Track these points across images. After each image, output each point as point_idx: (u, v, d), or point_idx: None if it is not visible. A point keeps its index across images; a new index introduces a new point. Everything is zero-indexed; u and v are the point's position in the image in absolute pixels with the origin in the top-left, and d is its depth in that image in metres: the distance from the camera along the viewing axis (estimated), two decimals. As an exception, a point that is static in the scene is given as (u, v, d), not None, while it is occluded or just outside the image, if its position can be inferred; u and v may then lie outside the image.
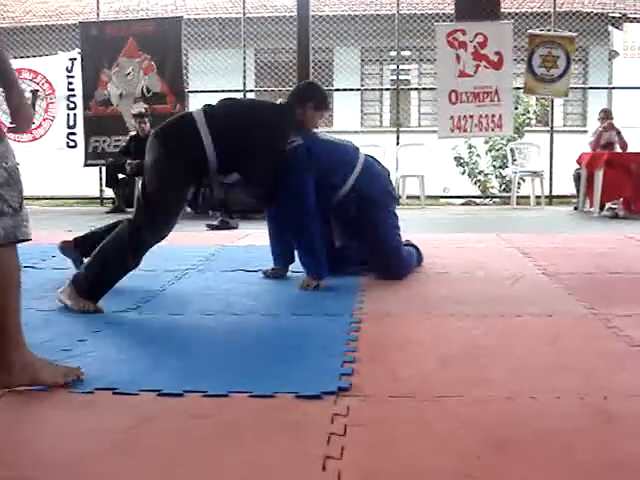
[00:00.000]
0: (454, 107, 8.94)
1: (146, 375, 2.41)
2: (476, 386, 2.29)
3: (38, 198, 10.47)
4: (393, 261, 4.11)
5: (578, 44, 9.89)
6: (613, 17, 11.69)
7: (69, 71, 9.87)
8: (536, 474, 1.68)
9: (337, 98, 13.58)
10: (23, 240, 2.20)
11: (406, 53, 13.05)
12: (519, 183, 10.08)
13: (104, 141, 9.71)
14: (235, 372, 2.44)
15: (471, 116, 8.94)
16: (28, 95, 9.79)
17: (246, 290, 3.85)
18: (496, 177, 11.40)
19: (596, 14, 11.91)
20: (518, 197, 9.78)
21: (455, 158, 11.45)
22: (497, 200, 10.83)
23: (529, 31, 9.19)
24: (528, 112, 11.61)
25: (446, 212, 9.37)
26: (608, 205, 8.21)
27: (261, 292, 3.86)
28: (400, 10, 10.33)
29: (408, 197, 10.09)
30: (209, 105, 3.71)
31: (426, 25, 11.03)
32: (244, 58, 10.24)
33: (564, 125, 13.35)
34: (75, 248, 4.02)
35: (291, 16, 10.28)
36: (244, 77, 10.23)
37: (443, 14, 11.02)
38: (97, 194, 10.56)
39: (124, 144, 8.92)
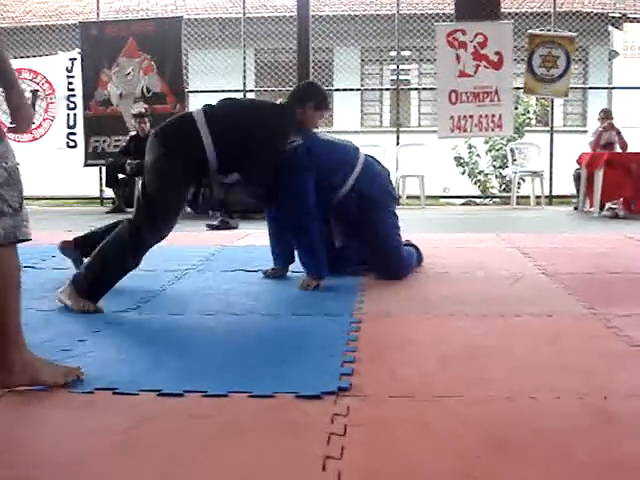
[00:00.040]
0: (454, 107, 8.94)
1: (146, 375, 2.41)
2: (476, 386, 2.29)
3: (38, 198, 10.47)
4: (393, 261, 4.11)
5: (578, 44, 9.89)
6: (613, 17, 11.69)
7: (69, 71, 9.87)
8: (536, 474, 1.68)
9: (337, 98, 13.58)
10: (23, 240, 2.20)
11: (406, 53, 13.05)
12: (519, 183, 10.08)
13: (104, 141, 9.71)
14: (235, 372, 2.44)
15: (471, 116, 8.94)
16: (28, 95, 9.80)
17: (246, 290, 3.85)
18: (496, 177, 11.40)
19: (596, 14, 11.91)
20: (518, 197, 9.78)
21: (455, 158, 11.45)
22: (497, 200, 10.83)
23: (529, 31, 9.19)
24: (528, 112, 11.61)
25: (446, 212, 9.38)
26: (608, 205, 8.21)
27: (261, 292, 3.86)
28: (400, 10, 10.34)
29: (408, 197, 10.09)
30: (209, 105, 3.71)
31: (426, 25, 11.03)
32: (244, 58, 10.24)
33: (564, 125, 13.35)
34: (75, 248, 4.02)
35: (291, 16, 10.28)
36: (244, 77, 10.23)
37: (443, 14, 11.02)
38: (97, 194, 10.56)
39: (124, 144, 8.92)
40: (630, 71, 9.97)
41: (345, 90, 12.42)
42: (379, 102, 14.42)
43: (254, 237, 5.88)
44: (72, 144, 9.94)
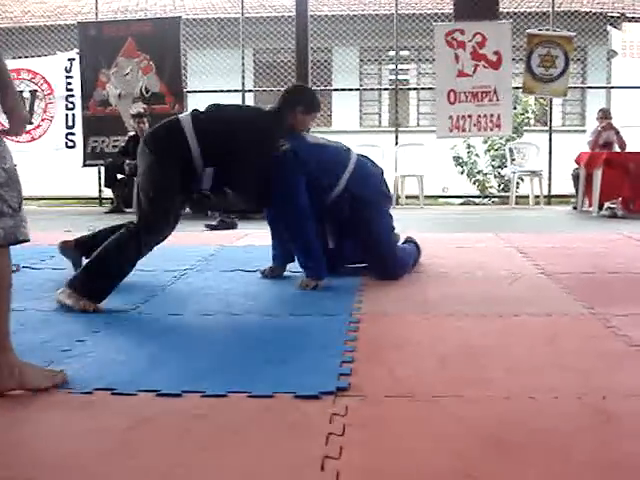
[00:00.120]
0: (453, 107, 8.94)
1: (145, 375, 2.41)
2: (474, 386, 2.29)
3: (37, 198, 10.46)
4: (388, 261, 4.09)
5: (577, 44, 9.90)
6: (612, 17, 11.69)
7: (68, 71, 9.87)
8: (535, 474, 1.68)
9: (336, 98, 13.61)
10: (23, 241, 2.20)
11: (405, 53, 13.05)
12: (518, 183, 10.08)
13: (103, 141, 9.70)
14: (234, 372, 2.44)
15: (470, 116, 8.94)
16: (27, 95, 9.80)
17: (245, 290, 3.86)
18: (495, 177, 11.39)
19: (595, 14, 11.91)
20: (517, 197, 9.79)
21: (454, 158, 11.45)
22: (496, 200, 10.83)
23: (528, 31, 9.19)
24: (527, 112, 11.61)
25: (445, 212, 9.38)
26: (607, 205, 8.21)
27: (260, 292, 3.86)
28: (399, 10, 10.33)
29: (407, 197, 10.09)
30: (197, 110, 3.75)
31: (425, 25, 11.02)
32: (242, 58, 10.23)
33: (563, 125, 13.36)
34: (75, 249, 4.03)
35: (290, 16, 10.27)
36: (243, 77, 10.23)
37: (442, 14, 11.02)
38: (96, 194, 10.55)
39: (123, 144, 8.92)
40: (629, 71, 9.98)
41: (344, 90, 12.43)
42: (378, 102, 14.42)
43: (253, 237, 5.89)
44: (71, 144, 9.93)
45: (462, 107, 8.93)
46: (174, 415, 2.07)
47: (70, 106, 9.89)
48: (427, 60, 12.92)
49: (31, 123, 9.72)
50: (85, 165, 9.88)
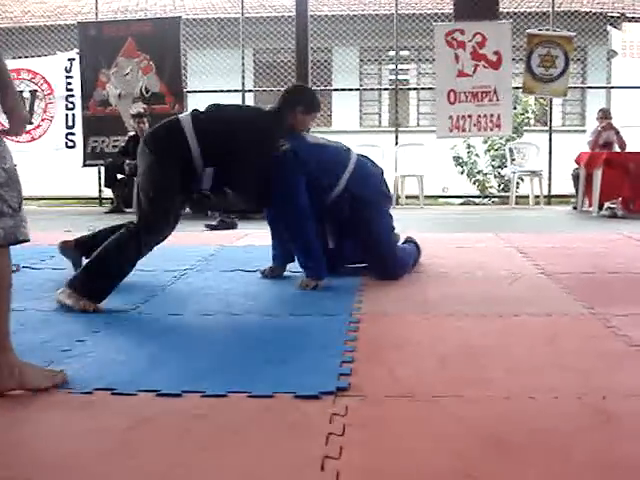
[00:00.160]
0: (453, 107, 8.94)
1: (145, 375, 2.41)
2: (474, 386, 2.29)
3: (37, 198, 10.46)
4: (388, 261, 4.09)
5: (577, 44, 9.90)
6: (612, 17, 11.69)
7: (68, 71, 9.87)
8: (535, 474, 1.68)
9: (336, 98, 13.61)
10: (22, 241, 2.19)
11: (405, 53, 13.05)
12: (518, 183, 10.08)
13: (103, 141, 9.70)
14: (234, 372, 2.44)
15: (470, 116, 8.94)
16: (27, 95, 9.80)
17: (245, 290, 3.86)
18: (495, 177, 11.39)
19: (595, 14, 11.92)
20: (517, 197, 9.79)
21: (454, 158, 11.45)
22: (496, 200, 10.83)
23: (528, 31, 9.19)
24: (527, 112, 11.61)
25: (445, 212, 9.38)
26: (607, 205, 8.21)
27: (260, 292, 3.86)
28: (399, 10, 10.33)
29: (407, 197, 10.09)
30: (197, 110, 3.75)
31: (425, 25, 11.02)
32: (243, 58, 10.23)
33: (563, 125, 13.36)
34: (75, 249, 4.03)
35: (290, 16, 10.27)
36: (243, 77, 10.23)
37: (442, 14, 11.02)
38: (96, 194, 10.55)
39: (123, 144, 8.92)
40: (629, 71, 9.98)
41: (344, 90, 12.43)
42: (378, 102, 14.42)
43: (253, 237, 5.89)
44: (71, 144, 9.94)
45: (462, 107, 8.93)
46: (174, 415, 2.07)
47: (70, 106, 9.89)
48: (427, 60, 12.92)
49: (31, 123, 9.72)
50: (85, 165, 9.88)
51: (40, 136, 9.96)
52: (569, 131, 12.39)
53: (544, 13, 10.73)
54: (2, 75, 2.21)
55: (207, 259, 4.85)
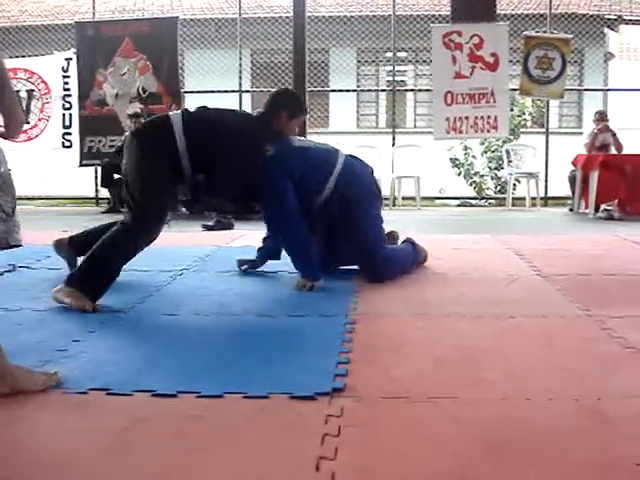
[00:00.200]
0: (450, 108, 8.95)
1: (140, 376, 2.40)
2: (470, 387, 2.29)
3: (33, 198, 10.46)
4: (376, 261, 4.05)
5: (574, 46, 9.92)
6: (609, 19, 11.73)
7: (65, 71, 9.86)
8: (530, 475, 1.68)
9: (333, 99, 13.62)
10: (14, 246, 2.18)
11: (402, 54, 13.07)
12: (514, 184, 10.10)
13: (99, 141, 9.69)
14: (229, 373, 2.43)
15: (467, 117, 8.95)
16: (24, 95, 9.79)
17: (241, 291, 3.85)
18: (492, 178, 11.41)
19: (592, 16, 11.94)
20: (513, 198, 9.80)
21: (451, 159, 11.46)
22: (492, 201, 10.84)
23: (525, 33, 9.21)
24: (524, 114, 11.62)
25: (442, 213, 9.38)
26: (603, 207, 8.21)
27: (256, 293, 3.86)
28: (396, 11, 10.34)
29: (404, 198, 10.10)
30: (187, 110, 3.77)
31: (422, 26, 11.04)
32: (240, 59, 10.23)
33: (559, 127, 13.39)
34: (70, 247, 4.03)
35: (287, 17, 10.29)
36: (240, 78, 10.23)
37: (439, 15, 11.04)
38: (92, 194, 10.55)
39: (120, 144, 8.89)
40: (625, 73, 10.01)
41: (341, 91, 12.45)
42: (375, 103, 14.43)
43: (249, 238, 5.88)
44: (67, 144, 9.93)
45: (459, 109, 8.94)
46: (169, 415, 2.06)
47: (67, 106, 9.89)
48: (424, 61, 12.93)
49: (28, 123, 9.70)
50: (82, 165, 9.88)
51: (37, 136, 9.95)
52: (566, 133, 12.42)
53: (541, 15, 10.75)
54: (1, 73, 2.19)
55: (203, 259, 4.85)
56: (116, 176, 8.85)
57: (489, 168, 11.38)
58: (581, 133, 11.02)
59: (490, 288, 3.89)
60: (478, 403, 2.14)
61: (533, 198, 9.68)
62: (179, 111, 3.78)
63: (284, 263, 4.12)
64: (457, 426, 1.96)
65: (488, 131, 9.10)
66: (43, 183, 10.53)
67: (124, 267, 3.53)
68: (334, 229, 4.15)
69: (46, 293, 3.52)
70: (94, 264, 3.42)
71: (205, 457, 1.78)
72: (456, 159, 11.46)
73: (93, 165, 9.89)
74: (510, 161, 10.19)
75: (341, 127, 13.23)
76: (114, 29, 9.67)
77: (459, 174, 11.45)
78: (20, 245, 2.20)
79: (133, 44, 9.49)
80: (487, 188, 11.37)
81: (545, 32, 9.40)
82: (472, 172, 11.41)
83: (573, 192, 8.82)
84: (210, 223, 6.78)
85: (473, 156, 11.44)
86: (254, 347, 2.78)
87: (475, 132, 9.11)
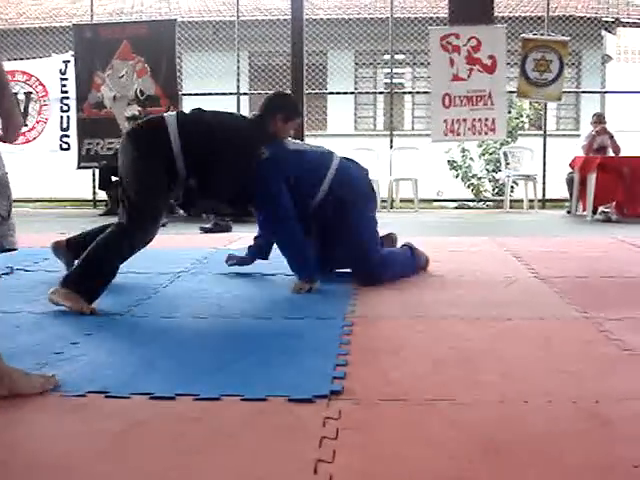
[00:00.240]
0: (447, 111, 8.96)
1: (138, 378, 2.40)
2: (468, 390, 2.29)
3: (31, 200, 10.45)
4: (368, 263, 4.02)
5: (571, 48, 9.93)
6: (606, 21, 11.75)
7: (63, 73, 9.87)
8: (528, 477, 1.68)
9: (331, 101, 13.63)
10: (9, 250, 2.17)
11: (400, 57, 13.08)
12: (512, 187, 10.11)
13: (97, 144, 9.70)
14: (227, 375, 2.43)
15: (464, 120, 8.96)
16: (21, 97, 9.79)
17: (239, 293, 3.85)
18: (489, 181, 11.43)
19: (589, 18, 11.96)
20: (511, 201, 9.81)
21: (448, 162, 11.48)
22: (490, 204, 10.86)
23: (522, 35, 9.23)
24: (521, 116, 11.66)
25: (439, 215, 9.39)
26: (601, 209, 8.24)
27: (254, 295, 3.86)
28: (394, 14, 10.36)
29: (401, 200, 10.11)
30: (182, 112, 3.78)
31: (420, 29, 11.06)
32: (238, 61, 10.24)
33: (557, 129, 13.40)
34: (68, 249, 4.02)
35: (285, 19, 10.29)
36: (238, 80, 10.24)
37: (437, 18, 11.05)
38: (90, 196, 10.55)
39: (117, 147, 8.90)
40: (623, 75, 10.02)
41: (339, 93, 12.45)
42: (373, 105, 14.44)
43: (247, 240, 5.85)
44: (65, 146, 9.94)
45: (457, 111, 8.95)
46: (167, 418, 2.06)
47: (65, 108, 9.89)
48: (422, 64, 12.93)
49: (26, 125, 9.71)
50: (79, 167, 9.89)
51: (35, 138, 9.96)
52: (563, 135, 12.43)
53: (539, 17, 10.77)
54: (0, 75, 2.18)
55: (201, 262, 4.84)
56: (114, 178, 8.84)
57: (487, 170, 11.40)
58: (579, 135, 11.03)
59: (488, 290, 3.89)
60: (476, 405, 2.14)
61: (531, 200, 9.69)
62: (174, 112, 3.78)
63: (281, 265, 4.12)
64: (455, 428, 1.96)
65: (486, 133, 9.11)
66: (41, 185, 10.53)
67: (122, 269, 3.53)
68: (329, 231, 4.14)
69: (44, 296, 3.50)
70: (90, 265, 3.41)
71: (203, 459, 1.78)
72: (454, 161, 11.48)
73: (91, 167, 9.89)
74: (508, 163, 10.20)
75: (339, 129, 13.24)
76: (112, 32, 9.68)
77: (457, 176, 11.47)
78: (15, 249, 2.19)
79: (131, 47, 9.50)
80: (485, 190, 11.39)
81: (543, 34, 9.41)
82: (470, 174, 11.43)
83: (571, 194, 8.83)
84: (208, 225, 6.79)
85: (471, 158, 11.46)
86: (252, 349, 2.78)
87: (473, 134, 9.12)
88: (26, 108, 9.89)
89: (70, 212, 9.81)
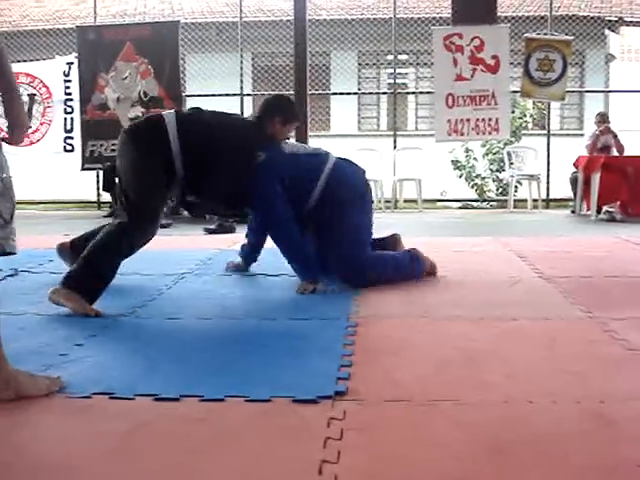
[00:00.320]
0: (451, 111, 8.96)
1: (143, 379, 2.40)
2: (473, 390, 2.28)
3: (35, 202, 10.47)
4: (352, 263, 3.96)
5: (575, 47, 9.93)
6: (609, 21, 11.73)
7: (66, 75, 9.89)
8: (533, 478, 1.68)
9: (334, 102, 13.63)
10: (9, 253, 2.17)
11: (403, 57, 13.07)
12: (516, 186, 10.10)
13: (101, 145, 9.71)
14: (231, 376, 2.43)
15: (468, 120, 8.96)
16: (25, 99, 9.81)
17: (243, 294, 3.86)
18: (493, 181, 11.42)
19: (592, 17, 11.95)
20: (515, 201, 9.80)
21: (452, 162, 11.47)
22: (494, 204, 10.85)
23: (526, 35, 9.22)
24: (525, 116, 11.64)
25: (443, 216, 9.38)
26: (605, 208, 8.22)
27: (258, 296, 3.86)
28: (397, 14, 10.37)
29: (405, 201, 10.11)
30: (181, 111, 3.78)
31: (423, 29, 11.05)
32: (241, 62, 10.25)
33: (561, 128, 13.38)
34: (72, 251, 4.02)
35: (288, 20, 10.29)
36: (241, 81, 10.24)
37: (440, 18, 11.05)
38: (94, 198, 10.57)
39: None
40: (627, 74, 10.01)
41: (342, 94, 12.45)
42: (376, 106, 14.44)
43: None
44: (69, 148, 9.95)
45: (460, 111, 8.94)
46: (172, 419, 2.07)
47: (69, 110, 9.91)
48: (425, 64, 12.94)
49: (30, 127, 9.72)
50: (83, 169, 9.90)
51: (38, 140, 9.97)
52: (567, 135, 12.42)
53: (542, 17, 10.76)
54: (9, 78, 2.18)
55: (205, 263, 4.85)
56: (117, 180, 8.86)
57: (490, 170, 11.38)
58: (582, 135, 11.01)
59: (492, 290, 3.89)
60: (480, 406, 2.14)
61: (535, 200, 9.68)
62: (172, 111, 3.78)
63: (285, 267, 4.12)
64: (459, 429, 1.96)
65: (489, 133, 9.10)
66: (45, 187, 10.55)
67: (126, 271, 3.53)
68: (325, 232, 4.12)
69: (48, 297, 3.51)
70: (90, 265, 3.40)
71: (208, 460, 1.78)
72: (457, 161, 11.47)
73: (95, 169, 9.91)
74: (511, 163, 10.19)
75: (342, 130, 13.25)
76: (115, 33, 9.69)
77: (460, 176, 11.46)
78: (14, 253, 2.19)
79: (134, 48, 9.51)
80: (488, 190, 11.38)
81: (546, 34, 9.40)
82: (473, 174, 11.42)
83: (575, 194, 8.82)
84: (212, 227, 6.79)
85: (474, 158, 11.45)
86: (256, 350, 2.78)
87: (476, 134, 9.11)
88: (30, 110, 9.89)
89: (74, 214, 9.83)
